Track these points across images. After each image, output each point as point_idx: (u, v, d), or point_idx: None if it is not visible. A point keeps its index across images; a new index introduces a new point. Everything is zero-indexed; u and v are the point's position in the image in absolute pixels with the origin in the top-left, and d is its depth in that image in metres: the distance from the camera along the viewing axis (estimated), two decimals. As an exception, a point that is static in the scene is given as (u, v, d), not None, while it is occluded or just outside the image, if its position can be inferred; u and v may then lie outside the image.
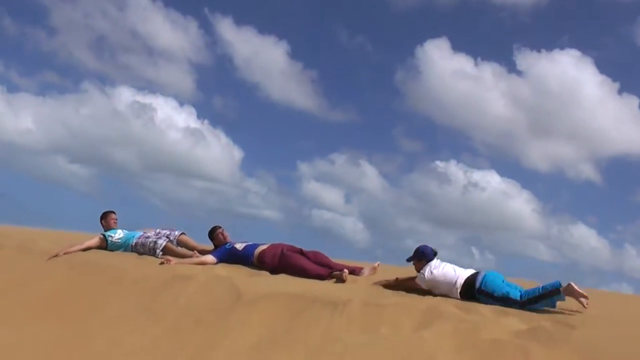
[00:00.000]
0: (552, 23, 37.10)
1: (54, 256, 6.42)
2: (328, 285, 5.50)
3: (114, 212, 7.32)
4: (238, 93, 39.22)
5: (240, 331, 4.29)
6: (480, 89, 34.38)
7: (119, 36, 38.82)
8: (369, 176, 36.00)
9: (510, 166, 37.16)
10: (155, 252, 6.71)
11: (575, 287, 4.61)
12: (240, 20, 39.03)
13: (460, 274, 4.98)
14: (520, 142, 35.84)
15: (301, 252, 6.17)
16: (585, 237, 31.42)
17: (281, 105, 39.25)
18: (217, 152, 36.50)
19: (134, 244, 6.91)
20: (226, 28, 36.63)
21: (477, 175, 32.67)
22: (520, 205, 32.47)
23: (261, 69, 37.63)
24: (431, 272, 5.03)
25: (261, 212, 36.31)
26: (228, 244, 6.58)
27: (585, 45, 39.77)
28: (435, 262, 5.14)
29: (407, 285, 5.18)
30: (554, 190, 36.82)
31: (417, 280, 5.09)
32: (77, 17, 38.39)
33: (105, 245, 6.95)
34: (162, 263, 6.04)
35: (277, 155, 41.01)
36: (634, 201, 34.04)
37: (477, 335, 4.00)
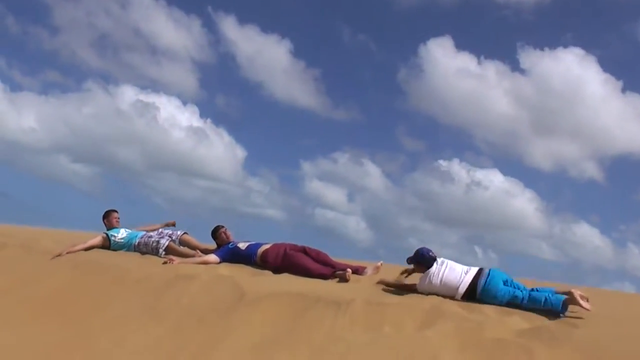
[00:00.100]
0: (555, 21, 37.09)
1: (56, 255, 6.43)
2: (331, 285, 5.50)
3: (116, 211, 7.32)
4: (241, 92, 39.27)
5: (243, 331, 4.30)
6: (484, 87, 34.37)
7: (122, 35, 38.90)
8: (372, 175, 36.03)
9: (513, 165, 37.16)
10: (158, 251, 6.72)
11: (577, 297, 4.54)
12: (243, 19, 39.06)
13: (462, 280, 4.88)
14: (524, 140, 35.84)
15: (304, 251, 6.16)
16: (588, 236, 31.40)
17: (284, 103, 39.31)
18: (220, 151, 36.55)
19: (136, 243, 6.92)
20: (229, 26, 36.66)
21: (480, 174, 32.67)
22: (523, 204, 32.48)
23: (264, 68, 37.67)
24: (430, 281, 4.98)
25: (264, 211, 36.37)
26: (231, 244, 6.57)
27: (588, 43, 39.74)
28: (434, 269, 5.03)
29: (409, 288, 5.16)
30: (556, 189, 36.81)
31: (417, 288, 5.07)
32: (80, 16, 38.49)
33: (108, 244, 6.96)
34: (165, 263, 6.05)
35: (280, 154, 41.07)
36: (637, 200, 34.01)
37: (480, 335, 4.00)
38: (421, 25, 38.93)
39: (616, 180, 34.47)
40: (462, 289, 4.85)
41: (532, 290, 4.83)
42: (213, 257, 6.35)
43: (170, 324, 4.55)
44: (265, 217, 35.46)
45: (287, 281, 5.51)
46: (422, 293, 5.01)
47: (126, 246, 6.97)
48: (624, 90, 32.16)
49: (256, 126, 41.03)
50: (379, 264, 6.31)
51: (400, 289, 5.22)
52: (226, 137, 37.20)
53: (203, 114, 37.96)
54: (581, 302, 4.52)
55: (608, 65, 36.38)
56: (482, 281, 4.85)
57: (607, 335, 4.13)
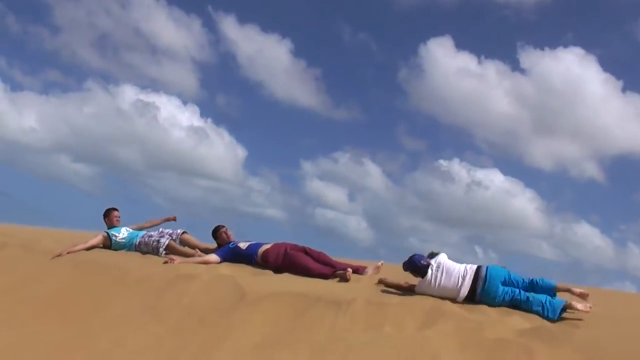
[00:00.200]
0: (555, 21, 37.03)
1: (57, 255, 6.44)
2: (332, 285, 5.50)
3: (116, 210, 7.29)
4: (241, 91, 39.21)
5: (244, 330, 4.30)
6: (484, 87, 34.32)
7: (122, 34, 38.86)
8: (373, 175, 35.99)
9: (513, 165, 37.12)
10: (159, 251, 6.73)
11: (575, 304, 4.51)
12: (244, 18, 38.97)
13: (461, 286, 4.81)
14: (524, 140, 35.80)
15: (305, 251, 6.17)
16: (588, 235, 31.37)
17: (284, 103, 39.28)
18: (221, 151, 36.53)
19: (137, 243, 6.93)
20: (229, 26, 36.62)
21: (481, 174, 32.63)
22: (523, 203, 32.45)
23: (264, 67, 37.60)
24: (427, 288, 4.95)
25: (264, 211, 36.35)
26: (232, 243, 6.58)
27: (588, 43, 39.63)
28: (429, 276, 4.97)
29: (408, 288, 5.15)
30: (557, 188, 36.77)
31: (416, 290, 5.05)
32: (80, 16, 38.47)
33: (109, 243, 6.96)
34: (165, 262, 6.05)
35: (281, 154, 41.05)
36: (638, 200, 33.97)
37: (481, 334, 4.00)
38: (421, 24, 38.90)
39: (617, 180, 34.45)
40: (463, 294, 4.82)
41: (533, 280, 4.79)
42: (214, 257, 6.36)
43: (171, 323, 4.55)
44: (265, 216, 35.47)
45: (288, 281, 5.52)
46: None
47: (127, 246, 6.97)
48: (624, 90, 32.15)
49: (257, 126, 41.03)
50: (380, 263, 6.31)
51: (400, 289, 5.22)
52: (227, 137, 37.20)
53: (203, 114, 37.96)
54: (579, 307, 4.50)
55: (608, 65, 36.36)
56: (480, 283, 4.81)
57: (607, 335, 4.13)
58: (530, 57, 32.61)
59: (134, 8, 38.37)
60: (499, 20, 36.56)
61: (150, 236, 6.94)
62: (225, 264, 6.23)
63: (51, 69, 40.22)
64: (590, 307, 4.55)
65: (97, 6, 39.48)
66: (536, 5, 36.43)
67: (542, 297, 4.65)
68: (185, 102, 37.16)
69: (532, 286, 4.82)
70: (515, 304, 4.72)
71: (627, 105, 31.64)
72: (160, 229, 7.16)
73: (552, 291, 4.76)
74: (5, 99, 35.93)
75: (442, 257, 5.14)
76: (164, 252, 6.72)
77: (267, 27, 40.13)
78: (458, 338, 3.97)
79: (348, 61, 39.94)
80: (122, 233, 7.02)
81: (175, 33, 36.97)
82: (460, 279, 4.89)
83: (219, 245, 6.75)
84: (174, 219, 7.42)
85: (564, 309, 4.53)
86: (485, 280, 4.80)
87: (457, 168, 32.54)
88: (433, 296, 4.92)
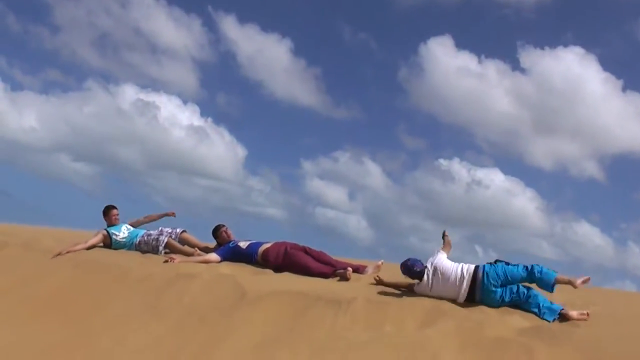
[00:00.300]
0: (555, 20, 36.97)
1: (56, 255, 6.44)
2: (332, 284, 5.50)
3: (115, 208, 7.23)
4: (241, 91, 39.17)
5: (245, 330, 4.30)
6: (484, 86, 34.25)
7: (123, 34, 38.79)
8: (373, 174, 35.94)
9: (513, 164, 37.04)
10: (158, 249, 6.74)
11: (572, 315, 4.49)
12: (244, 18, 38.94)
13: (460, 289, 4.77)
14: (524, 139, 35.74)
15: (305, 250, 6.17)
16: (588, 235, 31.33)
17: (285, 102, 39.21)
18: (221, 150, 36.48)
19: (137, 242, 6.94)
20: (229, 26, 36.56)
21: (481, 173, 32.56)
22: (523, 203, 32.39)
23: (265, 67, 37.55)
24: (426, 289, 4.92)
25: (265, 210, 36.31)
26: (232, 243, 6.58)
27: (589, 42, 39.64)
28: (425, 281, 4.90)
29: (407, 287, 5.14)
30: (557, 188, 36.73)
31: (415, 290, 5.03)
32: (80, 15, 38.41)
33: (109, 241, 6.95)
34: (166, 261, 6.06)
35: (281, 153, 40.99)
36: (638, 199, 33.90)
37: (481, 333, 4.01)
38: (421, 24, 38.84)
39: (617, 179, 34.40)
40: (462, 297, 4.78)
41: (533, 271, 4.69)
42: (214, 256, 6.36)
43: (172, 323, 4.55)
44: (266, 216, 35.43)
45: (288, 280, 5.52)
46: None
47: (127, 245, 6.97)
48: (624, 89, 32.10)
49: (257, 125, 40.97)
50: (380, 262, 6.31)
51: (398, 287, 5.21)
52: (227, 136, 37.15)
53: (203, 113, 37.91)
54: (575, 316, 4.48)
55: (608, 64, 36.34)
56: (479, 285, 4.75)
57: (607, 334, 4.13)
58: (530, 57, 32.57)
59: (134, 7, 38.30)
60: (499, 19, 36.52)
61: (150, 235, 6.95)
62: (226, 263, 6.23)
63: (51, 69, 40.17)
64: (588, 314, 4.50)
65: (97, 6, 39.46)
66: (536, 5, 36.40)
67: (541, 300, 4.63)
68: (185, 102, 37.10)
69: (531, 277, 4.74)
70: (515, 304, 4.72)
71: (627, 104, 31.62)
72: (160, 228, 7.15)
73: (551, 287, 4.69)
74: (6, 98, 35.88)
75: (439, 260, 5.03)
76: (163, 250, 6.73)
77: (267, 26, 40.10)
78: (458, 337, 3.97)
79: (348, 60, 39.90)
80: (123, 232, 7.01)
81: (175, 32, 36.93)
82: (458, 282, 4.82)
83: (219, 245, 6.75)
84: (173, 215, 7.39)
85: (560, 316, 4.51)
86: (483, 284, 4.75)
87: (458, 167, 32.49)
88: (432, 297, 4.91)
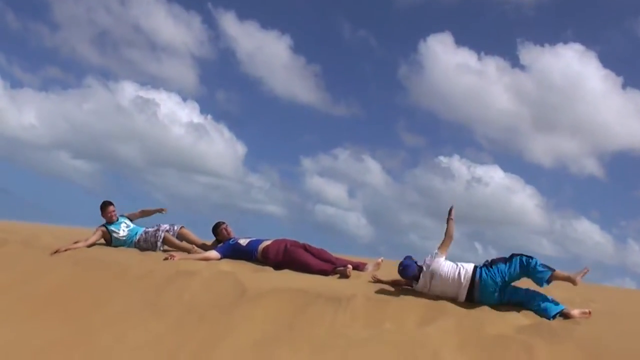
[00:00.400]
0: (555, 17, 37.01)
1: (55, 252, 6.45)
2: (332, 281, 5.50)
3: (112, 204, 7.15)
4: (241, 88, 39.27)
5: (245, 327, 4.30)
6: (484, 83, 34.34)
7: (122, 31, 38.87)
8: (372, 171, 36.04)
9: (513, 161, 37.13)
10: (157, 245, 6.76)
11: (574, 315, 4.47)
12: (243, 15, 39.07)
13: (459, 291, 4.76)
14: (524, 136, 35.83)
15: (305, 248, 6.17)
16: (588, 232, 31.44)
17: (284, 99, 39.28)
18: (221, 147, 36.55)
19: (137, 240, 6.94)
20: (229, 22, 36.64)
21: (481, 171, 32.66)
22: (523, 200, 32.48)
23: (264, 64, 37.64)
24: (424, 289, 4.90)
25: (264, 208, 36.38)
26: (232, 240, 6.58)
27: (588, 39, 39.74)
28: (421, 283, 4.88)
29: (406, 284, 5.13)
30: (557, 185, 36.83)
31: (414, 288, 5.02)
32: (80, 12, 38.45)
33: (109, 237, 6.95)
34: (166, 259, 6.06)
35: (281, 150, 41.09)
36: (637, 196, 34.03)
37: (481, 331, 4.00)
38: (421, 21, 38.94)
39: (616, 176, 34.51)
40: (461, 299, 4.77)
41: (528, 266, 4.61)
42: (214, 254, 6.36)
43: (171, 320, 4.55)
44: (265, 213, 35.51)
45: (288, 277, 5.51)
46: None
47: (127, 243, 6.98)
48: (624, 86, 32.16)
49: (256, 122, 41.07)
50: (380, 260, 6.31)
51: (396, 285, 5.20)
52: (226, 133, 37.21)
53: (203, 110, 37.96)
54: (577, 315, 4.47)
55: (608, 61, 36.34)
56: (477, 288, 4.72)
57: (607, 332, 4.13)
58: (530, 54, 32.63)
59: (134, 5, 38.39)
60: (499, 16, 36.57)
61: (147, 232, 6.95)
62: (226, 261, 6.23)
63: (51, 66, 40.27)
64: (590, 312, 4.49)
65: (96, 3, 39.53)
66: (536, 2, 36.45)
67: (542, 298, 4.62)
68: (185, 99, 37.22)
69: (527, 271, 4.67)
70: (516, 303, 4.70)
71: (627, 101, 31.68)
72: (158, 224, 7.15)
73: (544, 282, 4.63)
74: (5, 95, 35.95)
75: (437, 264, 4.89)
76: (161, 245, 6.75)
77: (266, 23, 40.22)
78: (458, 334, 3.97)
79: (348, 58, 39.97)
80: (122, 230, 7.01)
81: (174, 29, 36.98)
82: (456, 286, 4.78)
83: (219, 242, 6.75)
84: (163, 211, 7.28)
85: (561, 315, 4.50)
86: (481, 289, 4.72)
87: (457, 164, 32.58)
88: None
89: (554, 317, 4.45)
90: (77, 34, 39.81)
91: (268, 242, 6.35)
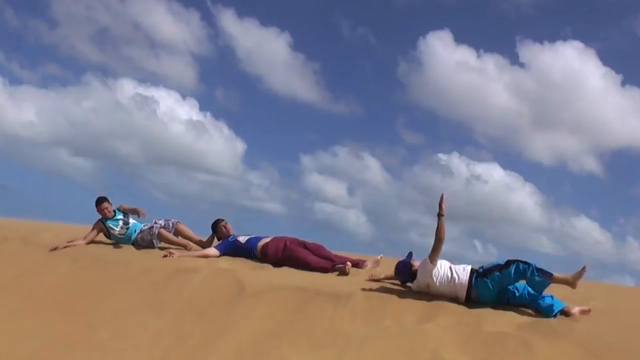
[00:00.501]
0: (554, 15, 36.90)
1: (53, 249, 6.44)
2: (331, 278, 5.50)
3: (106, 200, 7.01)
4: (240, 85, 39.11)
5: (244, 324, 4.30)
6: (483, 81, 34.22)
7: (121, 28, 38.69)
8: (372, 169, 35.95)
9: (513, 159, 37.02)
10: (153, 242, 6.77)
11: (575, 313, 4.45)
12: (243, 12, 38.86)
13: (456, 294, 4.72)
14: (523, 134, 35.73)
15: (304, 245, 6.17)
16: (587, 229, 31.38)
17: (283, 97, 39.16)
18: (220, 145, 36.44)
19: (136, 238, 6.94)
20: (228, 20, 36.47)
21: (480, 168, 32.56)
22: (523, 198, 32.41)
23: (263, 61, 37.49)
24: (421, 289, 4.87)
25: (264, 205, 36.30)
26: (231, 237, 6.58)
27: (588, 37, 39.62)
28: (416, 288, 4.79)
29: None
30: (556, 183, 36.73)
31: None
32: (79, 9, 38.28)
33: (107, 232, 6.92)
34: (165, 256, 6.06)
35: (280, 148, 40.96)
36: (637, 194, 33.96)
37: (481, 328, 4.00)
38: (421, 18, 38.73)
39: (616, 174, 34.41)
40: (461, 299, 4.75)
41: (522, 269, 4.55)
42: (213, 251, 6.36)
43: (171, 317, 4.55)
44: (265, 210, 35.43)
45: (287, 275, 5.51)
46: None
47: (125, 241, 6.96)
48: (623, 83, 32.03)
49: (256, 120, 40.94)
50: (379, 257, 6.31)
51: (394, 279, 5.18)
52: (226, 131, 37.09)
53: (202, 108, 37.88)
54: (577, 312, 4.46)
55: (608, 58, 36.18)
56: (475, 292, 4.70)
57: (607, 329, 4.13)
58: (529, 51, 32.51)
59: (133, 2, 38.29)
60: (498, 14, 36.46)
61: (142, 231, 6.93)
62: (225, 258, 6.23)
63: (50, 63, 40.08)
64: (590, 310, 4.48)
65: (95, 0, 39.38)
66: (535, -1, 36.33)
67: (542, 297, 4.60)
68: (184, 96, 37.09)
69: (523, 277, 4.61)
70: (515, 304, 4.69)
71: (627, 99, 31.59)
72: (153, 220, 7.12)
73: (541, 290, 4.63)
74: (4, 92, 35.79)
75: (428, 274, 4.68)
76: (158, 242, 6.77)
77: (266, 20, 40.06)
78: (458, 332, 3.97)
79: (347, 55, 39.83)
80: (120, 227, 6.97)
81: (174, 27, 36.83)
82: (453, 292, 4.69)
83: (219, 239, 6.75)
84: (141, 215, 6.86)
85: (561, 313, 4.50)
86: (478, 295, 4.69)
87: (457, 162, 32.47)
88: None
89: (554, 315, 4.45)
90: (76, 31, 39.66)
91: (267, 240, 6.35)
